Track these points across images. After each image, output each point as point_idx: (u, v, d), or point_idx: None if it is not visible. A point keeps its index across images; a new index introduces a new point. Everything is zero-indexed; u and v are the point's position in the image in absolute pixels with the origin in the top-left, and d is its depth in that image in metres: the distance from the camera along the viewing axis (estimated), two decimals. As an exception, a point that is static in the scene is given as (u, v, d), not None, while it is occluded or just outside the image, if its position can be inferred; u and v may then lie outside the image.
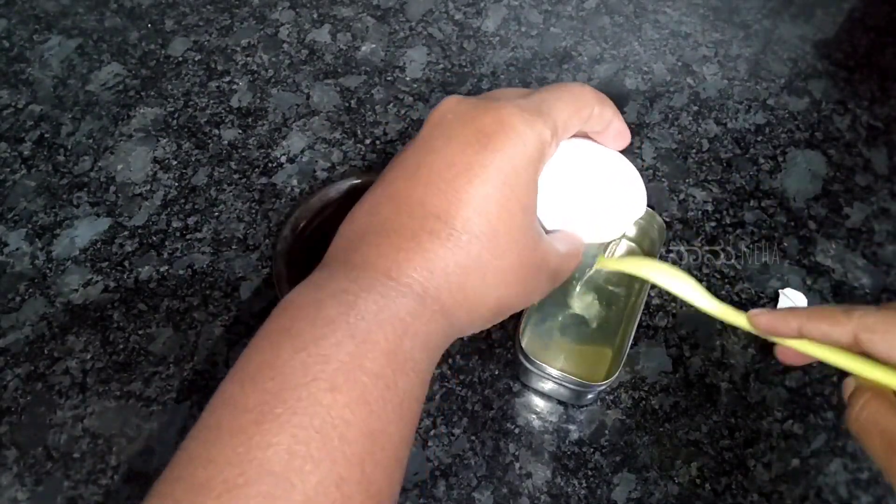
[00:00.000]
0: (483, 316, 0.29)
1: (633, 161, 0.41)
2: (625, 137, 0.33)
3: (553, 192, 0.31)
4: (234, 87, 0.66)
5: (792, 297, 0.55)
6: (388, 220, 0.28)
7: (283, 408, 0.23)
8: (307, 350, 0.24)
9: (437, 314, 0.27)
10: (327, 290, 0.27)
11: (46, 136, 0.62)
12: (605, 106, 0.32)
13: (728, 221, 0.59)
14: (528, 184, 0.28)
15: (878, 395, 0.30)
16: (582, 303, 0.52)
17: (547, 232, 0.32)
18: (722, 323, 0.54)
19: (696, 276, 0.56)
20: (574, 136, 0.33)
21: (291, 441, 0.22)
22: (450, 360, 0.51)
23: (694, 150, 0.64)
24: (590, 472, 0.48)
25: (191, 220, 0.58)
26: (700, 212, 0.60)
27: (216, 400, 0.25)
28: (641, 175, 0.34)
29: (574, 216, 0.32)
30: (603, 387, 0.46)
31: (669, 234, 0.58)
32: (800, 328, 0.31)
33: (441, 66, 0.68)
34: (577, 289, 0.52)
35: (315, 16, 0.72)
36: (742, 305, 0.55)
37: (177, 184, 0.60)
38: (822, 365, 0.52)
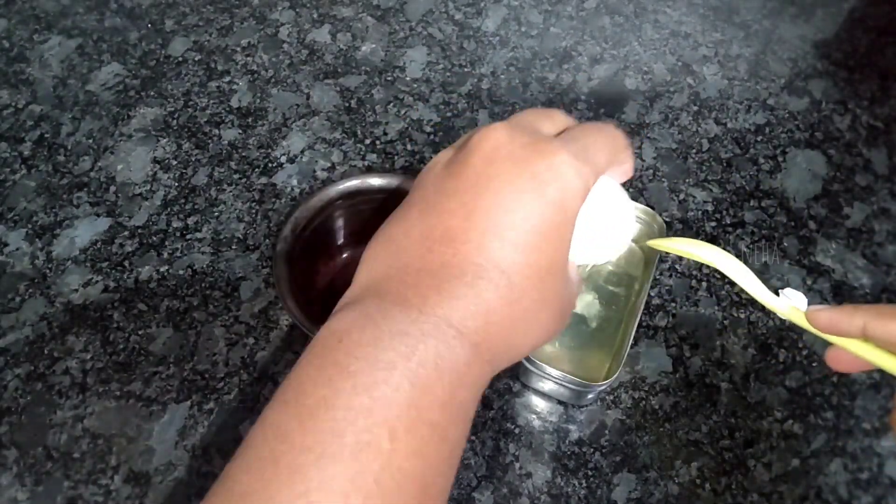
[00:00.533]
0: (518, 357, 0.30)
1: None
2: (630, 174, 0.34)
3: None
4: (234, 87, 0.66)
5: (792, 298, 0.55)
6: (447, 262, 0.28)
7: (345, 451, 0.23)
8: (368, 393, 0.24)
9: (486, 365, 0.28)
10: (385, 328, 0.26)
11: (46, 136, 0.62)
12: (630, 150, 0.33)
13: (728, 221, 0.59)
14: (566, 229, 0.29)
15: None
16: (581, 302, 0.52)
17: None
18: (722, 323, 0.54)
19: (696, 277, 0.56)
20: None
21: (349, 486, 0.22)
22: (450, 360, 0.51)
23: (694, 150, 0.64)
24: (590, 473, 0.48)
25: (191, 220, 0.58)
26: (700, 212, 0.60)
27: (270, 429, 0.24)
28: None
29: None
30: (603, 387, 0.46)
31: (669, 234, 0.58)
32: (865, 326, 0.29)
33: (441, 66, 0.68)
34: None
35: (315, 16, 0.72)
36: (743, 306, 0.55)
37: (177, 184, 0.60)
38: (821, 365, 0.52)
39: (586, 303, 0.52)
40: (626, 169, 0.33)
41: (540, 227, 0.27)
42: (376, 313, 0.27)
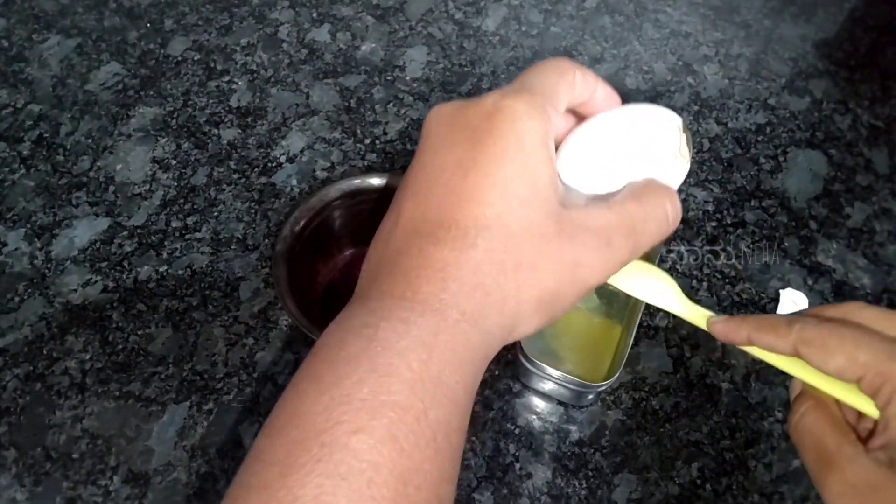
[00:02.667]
0: (523, 312, 0.27)
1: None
2: (614, 98, 0.32)
3: (596, 157, 0.30)
4: (234, 86, 0.66)
5: (793, 298, 0.55)
6: (399, 247, 0.27)
7: (307, 457, 0.22)
8: (329, 392, 0.23)
9: (461, 324, 0.26)
10: (348, 327, 0.26)
11: (45, 135, 0.62)
12: (586, 71, 0.31)
13: (729, 221, 0.59)
14: (531, 159, 0.27)
15: (818, 405, 0.30)
16: (582, 301, 0.52)
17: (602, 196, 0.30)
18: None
19: (696, 277, 0.56)
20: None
21: (318, 492, 0.22)
22: (450, 361, 0.51)
23: (695, 150, 0.63)
24: (590, 473, 0.48)
25: (190, 220, 0.57)
26: (701, 211, 0.60)
27: (248, 456, 0.24)
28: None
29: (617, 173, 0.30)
30: (603, 387, 0.46)
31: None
32: (749, 337, 0.31)
33: (441, 65, 0.68)
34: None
35: (315, 15, 0.72)
36: (743, 306, 0.55)
37: (176, 184, 0.59)
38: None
39: (588, 302, 0.52)
40: (602, 94, 0.31)
41: (479, 168, 0.26)
42: (343, 318, 0.27)
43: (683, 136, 0.30)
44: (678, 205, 0.29)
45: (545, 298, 0.27)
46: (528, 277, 0.26)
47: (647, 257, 0.53)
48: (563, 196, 0.28)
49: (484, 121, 0.27)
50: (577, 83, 0.30)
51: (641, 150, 0.30)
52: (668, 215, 0.29)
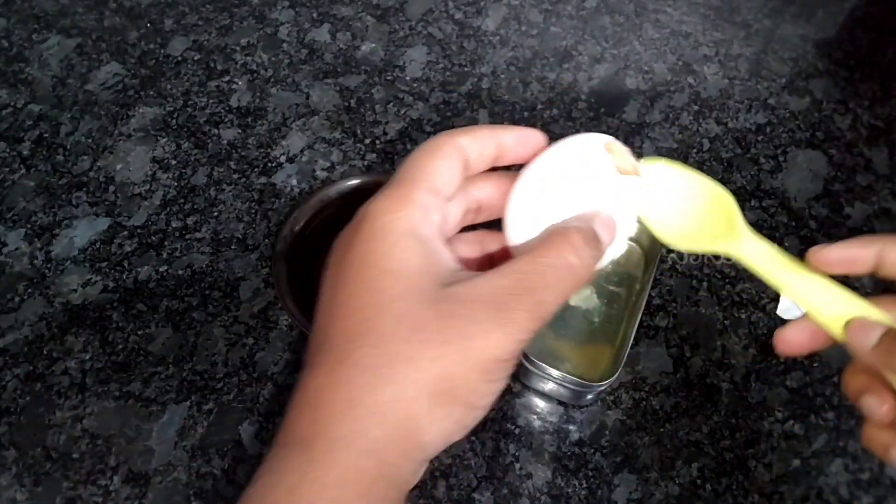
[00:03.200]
0: (417, 411, 0.24)
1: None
2: (529, 137, 0.30)
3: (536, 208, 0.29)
4: (234, 86, 0.66)
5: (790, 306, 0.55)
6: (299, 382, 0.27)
7: None
8: None
9: (331, 453, 0.23)
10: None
11: (45, 135, 0.62)
12: (473, 132, 0.29)
13: (729, 221, 0.59)
14: (397, 250, 0.26)
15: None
16: (579, 297, 0.52)
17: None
18: (723, 323, 0.54)
19: (697, 277, 0.56)
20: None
21: None
22: (450, 361, 0.51)
23: (695, 150, 0.63)
24: (590, 473, 0.48)
25: (190, 220, 0.57)
26: (701, 211, 0.60)
27: None
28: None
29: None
30: (603, 387, 0.46)
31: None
32: (880, 253, 0.28)
33: (441, 65, 0.68)
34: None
35: (315, 15, 0.72)
36: (743, 306, 0.55)
37: (176, 184, 0.59)
38: (822, 365, 0.52)
39: (584, 296, 0.52)
40: (511, 140, 0.29)
41: (334, 279, 0.27)
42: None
43: (615, 152, 0.29)
44: (586, 250, 0.27)
45: (440, 387, 0.24)
46: (407, 373, 0.24)
47: (647, 258, 0.53)
48: (449, 276, 0.26)
49: (352, 232, 0.27)
50: (462, 151, 0.29)
51: (580, 185, 0.29)
52: (571, 263, 0.26)
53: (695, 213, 0.32)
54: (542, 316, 0.25)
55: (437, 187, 0.28)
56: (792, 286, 0.30)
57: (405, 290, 0.25)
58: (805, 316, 0.30)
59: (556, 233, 0.27)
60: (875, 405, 0.28)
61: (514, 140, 0.30)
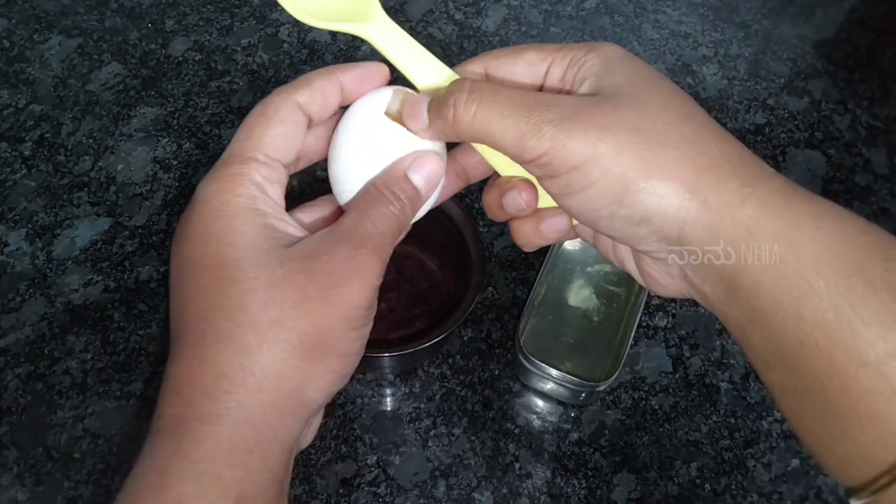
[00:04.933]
0: (290, 372, 0.24)
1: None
2: (368, 72, 0.31)
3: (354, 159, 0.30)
4: (235, 86, 0.66)
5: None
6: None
7: None
8: None
9: (199, 429, 0.24)
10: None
11: (47, 135, 0.62)
12: (310, 79, 0.30)
13: (728, 221, 0.59)
14: (224, 222, 0.26)
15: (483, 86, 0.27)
16: (579, 296, 0.52)
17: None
18: (722, 323, 0.54)
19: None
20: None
21: None
22: (450, 360, 0.51)
23: (694, 150, 0.64)
24: (590, 473, 0.48)
25: (191, 220, 0.58)
26: (700, 212, 0.60)
27: None
28: None
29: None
30: (603, 387, 0.46)
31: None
32: (485, 69, 0.30)
33: (441, 65, 0.68)
34: (575, 283, 0.52)
35: (315, 16, 0.72)
36: (742, 305, 0.55)
37: (177, 184, 0.60)
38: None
39: (584, 296, 0.52)
40: (353, 78, 0.30)
41: (205, 259, 0.26)
42: None
43: (398, 97, 0.30)
44: (401, 198, 0.28)
45: (310, 342, 0.24)
46: (274, 335, 0.24)
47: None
48: (292, 241, 0.27)
49: (189, 215, 0.27)
50: (299, 112, 0.29)
51: (382, 136, 0.30)
52: (393, 212, 0.27)
53: None
54: (385, 259, 0.26)
55: (276, 158, 0.29)
56: (415, 71, 0.31)
57: (250, 258, 0.25)
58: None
59: (371, 189, 0.28)
60: (516, 199, 0.29)
61: (355, 79, 0.31)
